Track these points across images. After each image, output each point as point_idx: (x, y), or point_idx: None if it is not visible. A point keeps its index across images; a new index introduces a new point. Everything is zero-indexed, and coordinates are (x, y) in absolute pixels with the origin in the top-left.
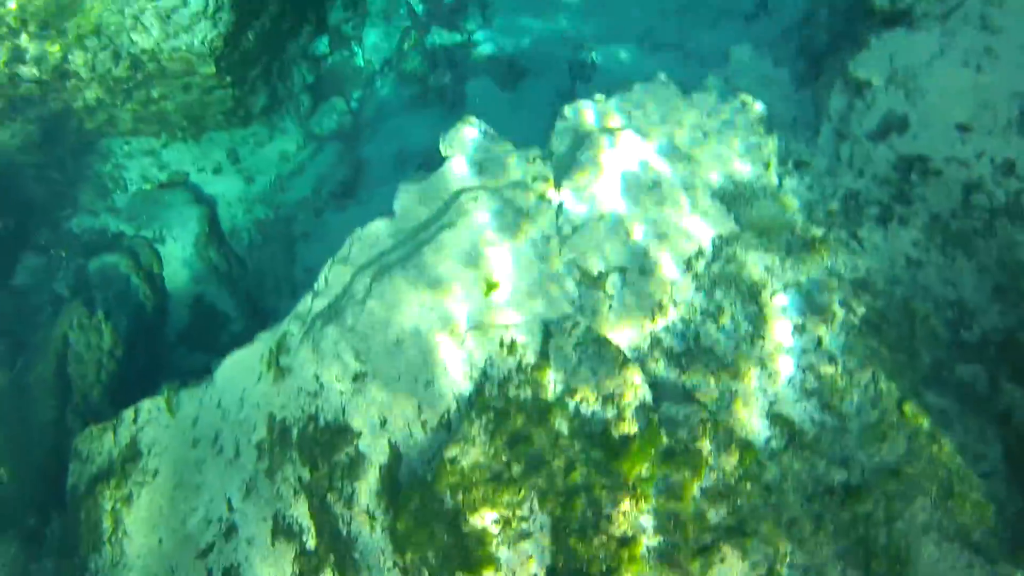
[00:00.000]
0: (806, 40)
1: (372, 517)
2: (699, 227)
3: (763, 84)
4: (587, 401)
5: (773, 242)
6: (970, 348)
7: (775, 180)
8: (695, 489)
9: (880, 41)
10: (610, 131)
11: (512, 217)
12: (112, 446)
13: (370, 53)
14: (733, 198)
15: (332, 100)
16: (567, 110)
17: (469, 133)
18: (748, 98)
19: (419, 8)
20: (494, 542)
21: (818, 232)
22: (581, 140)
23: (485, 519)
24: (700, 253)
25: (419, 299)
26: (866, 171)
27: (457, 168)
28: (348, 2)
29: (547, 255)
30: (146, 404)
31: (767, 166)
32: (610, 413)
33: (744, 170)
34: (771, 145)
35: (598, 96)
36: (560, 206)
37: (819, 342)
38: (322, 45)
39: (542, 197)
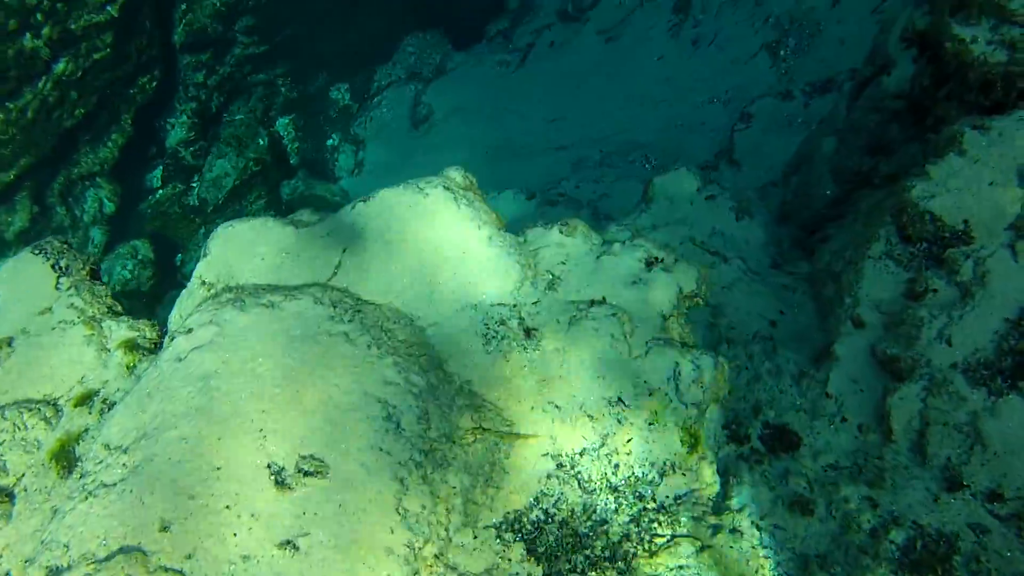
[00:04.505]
0: (796, 202)
1: None
2: None
3: (703, 246)
4: None
5: None
6: None
7: (709, 488)
8: None
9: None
10: None
11: None
12: None
13: (209, 189)
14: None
15: (135, 243)
16: None
17: None
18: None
19: (291, 145)
20: None
21: None
22: None
23: None
24: None
25: None
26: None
27: None
28: (196, 122)
29: None
30: None
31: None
32: None
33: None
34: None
35: None
36: None
37: None
38: (154, 177)
39: None
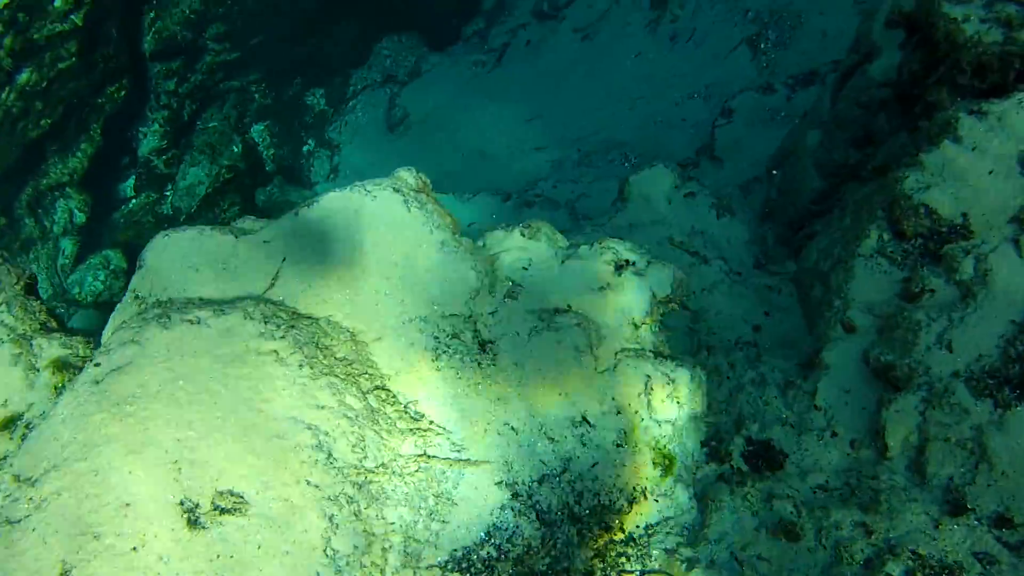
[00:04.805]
0: (780, 198)
1: None
2: None
3: (682, 248)
4: None
5: None
6: None
7: (684, 515)
8: None
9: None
10: None
11: None
12: None
13: (183, 198)
14: None
15: (107, 253)
16: None
17: None
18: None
19: (267, 151)
20: None
21: None
22: None
23: None
24: None
25: None
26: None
27: None
28: (168, 131)
29: None
30: None
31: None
32: None
33: None
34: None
35: None
36: None
37: None
38: (127, 186)
39: None
